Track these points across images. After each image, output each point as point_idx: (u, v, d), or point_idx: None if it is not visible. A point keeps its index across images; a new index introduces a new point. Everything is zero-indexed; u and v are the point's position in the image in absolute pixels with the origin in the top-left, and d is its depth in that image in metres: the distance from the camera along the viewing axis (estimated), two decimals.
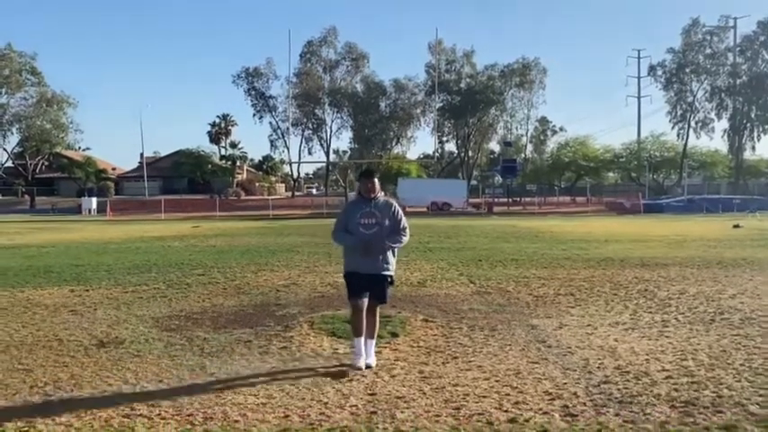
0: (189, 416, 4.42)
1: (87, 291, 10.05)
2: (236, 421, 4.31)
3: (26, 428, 4.23)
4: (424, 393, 4.86)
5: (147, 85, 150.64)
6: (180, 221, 37.71)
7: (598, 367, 5.53)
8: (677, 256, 14.09)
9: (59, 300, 9.28)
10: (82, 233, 26.37)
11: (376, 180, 5.73)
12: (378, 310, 5.78)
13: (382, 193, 5.83)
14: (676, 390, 4.89)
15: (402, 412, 4.44)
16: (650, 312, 7.92)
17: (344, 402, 4.60)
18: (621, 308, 8.23)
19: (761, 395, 4.74)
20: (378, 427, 4.00)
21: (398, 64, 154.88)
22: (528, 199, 65.33)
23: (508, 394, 4.83)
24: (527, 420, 4.28)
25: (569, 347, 6.23)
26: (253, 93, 75.39)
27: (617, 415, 4.37)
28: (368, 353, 5.57)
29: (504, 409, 4.51)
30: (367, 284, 5.56)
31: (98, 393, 4.98)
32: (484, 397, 4.77)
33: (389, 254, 5.67)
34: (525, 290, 9.75)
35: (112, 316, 8.05)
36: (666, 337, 6.64)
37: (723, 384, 5.01)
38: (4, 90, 64.82)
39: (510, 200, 61.85)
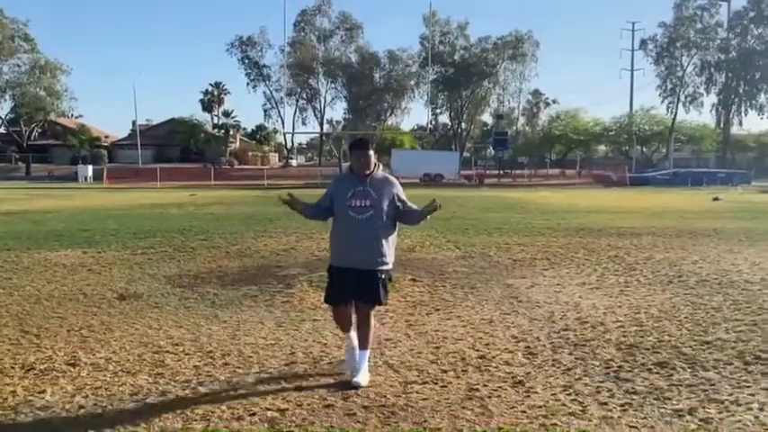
0: (209, 352, 5.23)
1: (99, 253, 10.80)
2: (250, 357, 5.12)
3: (72, 362, 5.02)
4: (409, 337, 5.68)
5: (139, 52, 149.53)
6: (176, 189, 38.36)
7: (561, 318, 6.37)
8: (652, 227, 14.95)
9: (75, 260, 10.03)
10: (82, 200, 27.03)
11: (371, 153, 4.57)
12: (372, 313, 4.61)
13: (380, 167, 4.65)
14: (624, 336, 5.73)
15: (390, 350, 5.27)
16: (616, 275, 8.76)
17: (341, 343, 5.39)
18: (591, 271, 9.07)
19: (695, 341, 5.58)
20: (370, 362, 4.78)
21: (393, 35, 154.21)
22: (518, 171, 66.16)
23: (481, 338, 5.66)
24: (494, 357, 5.12)
25: (538, 302, 7.07)
26: (246, 62, 75.61)
27: (570, 354, 5.21)
28: (359, 366, 4.50)
29: (476, 348, 5.35)
30: (352, 284, 4.45)
31: (127, 336, 5.76)
32: (460, 339, 5.61)
33: (387, 243, 4.53)
34: (506, 255, 10.57)
35: (127, 274, 8.82)
36: (626, 295, 7.48)
37: (666, 332, 5.85)
38: None
39: (501, 172, 62.66)
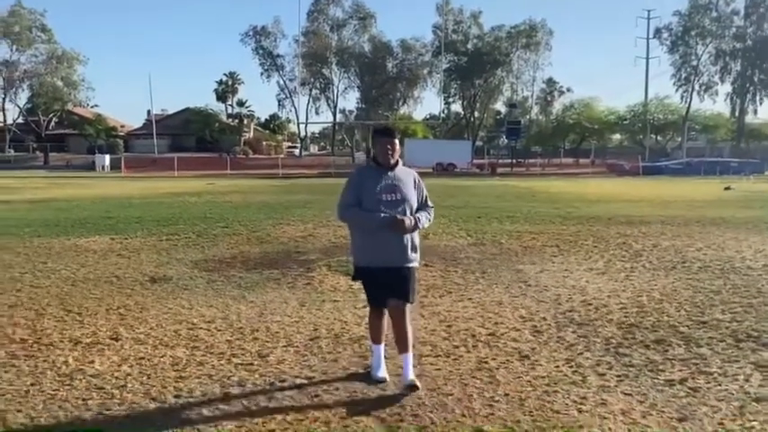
0: (239, 329, 5.68)
1: (126, 239, 11.29)
2: (277, 332, 5.56)
3: (114, 336, 5.48)
4: (423, 317, 6.09)
5: (153, 42, 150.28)
6: (193, 179, 38.95)
7: (567, 300, 6.75)
8: (661, 215, 15.25)
9: (104, 246, 10.52)
10: (102, 189, 27.64)
11: (397, 141, 4.32)
12: (407, 312, 4.32)
13: (400, 162, 4.38)
14: (626, 316, 6.11)
15: None
16: (623, 261, 9.12)
17: (360, 321, 5.81)
18: (598, 257, 9.43)
19: (692, 320, 5.96)
20: (386, 337, 5.20)
21: (406, 24, 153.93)
22: (531, 160, 66.26)
23: (490, 318, 6.07)
24: (502, 334, 5.52)
25: (546, 286, 7.45)
26: (260, 51, 76.05)
27: (574, 332, 5.60)
28: (406, 370, 4.27)
29: (486, 327, 5.75)
30: (387, 283, 4.23)
31: (162, 314, 6.22)
32: (470, 319, 6.01)
33: (416, 236, 4.34)
34: (516, 242, 10.95)
35: (155, 259, 9.29)
36: (630, 280, 7.84)
37: (665, 313, 6.23)
38: (14, 47, 65.65)
39: (514, 161, 62.79)
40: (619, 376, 4.50)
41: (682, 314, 6.20)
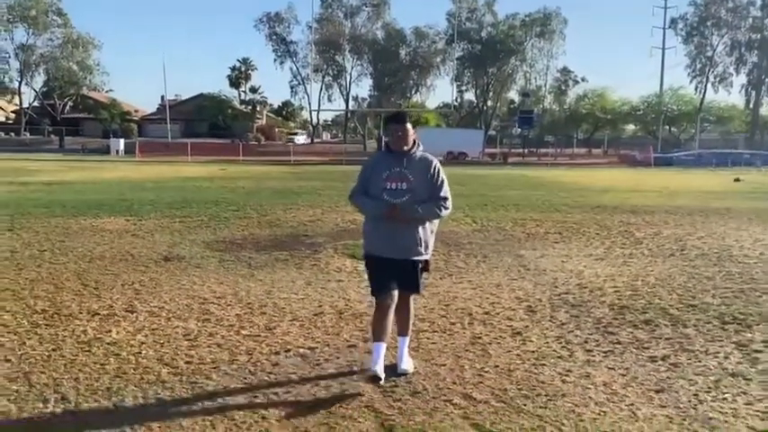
0: (248, 304, 5.98)
1: (140, 220, 11.63)
2: (284, 308, 5.85)
3: (129, 309, 5.79)
4: (423, 296, 6.32)
5: (167, 27, 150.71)
6: (206, 164, 39.33)
7: (563, 284, 7.00)
8: (666, 205, 15.41)
9: (119, 227, 10.86)
10: (117, 172, 28.07)
11: (408, 127, 4.16)
12: (411, 301, 4.38)
13: (420, 148, 4.24)
14: (619, 299, 6.35)
15: None
16: (622, 248, 9.34)
17: (363, 299, 6.09)
18: (599, 244, 9.66)
19: (682, 304, 6.19)
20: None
21: (419, 12, 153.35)
22: (544, 150, 66.18)
23: (488, 298, 6.33)
24: (498, 313, 5.79)
25: (544, 270, 7.70)
26: (274, 38, 76.11)
27: (567, 312, 5.86)
28: (400, 355, 4.30)
29: (482, 306, 6.02)
30: (394, 272, 4.15)
31: (175, 290, 6.53)
32: (468, 299, 6.28)
33: (425, 230, 4.19)
34: (520, 229, 11.18)
35: (168, 240, 9.62)
36: (628, 266, 8.07)
37: (657, 297, 6.47)
38: (30, 31, 66.25)
39: (526, 150, 62.76)
40: (605, 352, 4.76)
41: (673, 298, 6.43)
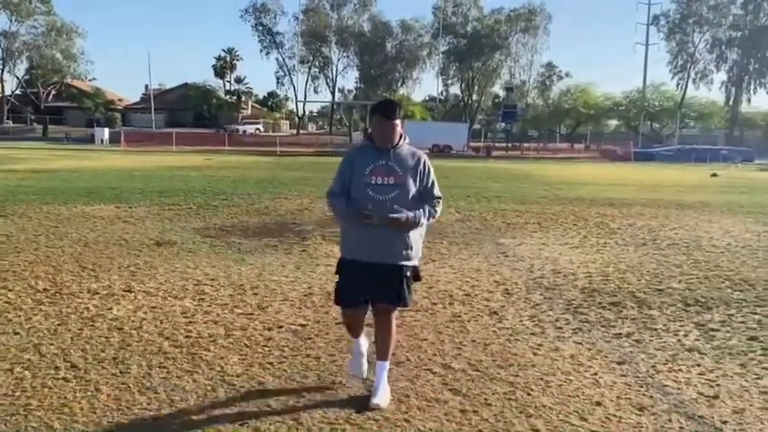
0: (240, 285, 6.30)
1: (131, 208, 11.88)
2: (275, 289, 6.19)
3: (127, 289, 6.09)
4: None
5: (152, 16, 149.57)
6: (192, 154, 39.42)
7: (539, 269, 7.40)
8: (643, 198, 15.90)
9: (110, 213, 11.11)
10: (103, 161, 28.17)
11: (398, 123, 3.65)
12: (393, 318, 3.81)
13: (407, 141, 3.75)
14: (590, 283, 6.76)
15: None
16: (597, 237, 9.76)
17: None
18: (575, 234, 10.07)
19: (649, 288, 6.61)
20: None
21: (406, 5, 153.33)
22: (527, 144, 66.81)
23: (468, 281, 6.71)
24: (476, 295, 6.17)
25: (522, 257, 8.10)
26: (260, 28, 76.07)
27: (541, 295, 6.25)
28: (377, 384, 3.74)
29: (463, 289, 6.40)
30: (370, 281, 3.64)
31: (169, 272, 6.83)
32: (450, 282, 6.66)
33: (415, 232, 3.71)
34: (501, 219, 11.57)
35: (159, 226, 9.89)
36: (601, 253, 8.49)
37: (626, 282, 6.87)
38: (13, 17, 65.66)
39: (509, 144, 63.33)
40: (574, 330, 5.15)
41: (641, 282, 6.85)
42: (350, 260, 3.72)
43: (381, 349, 3.79)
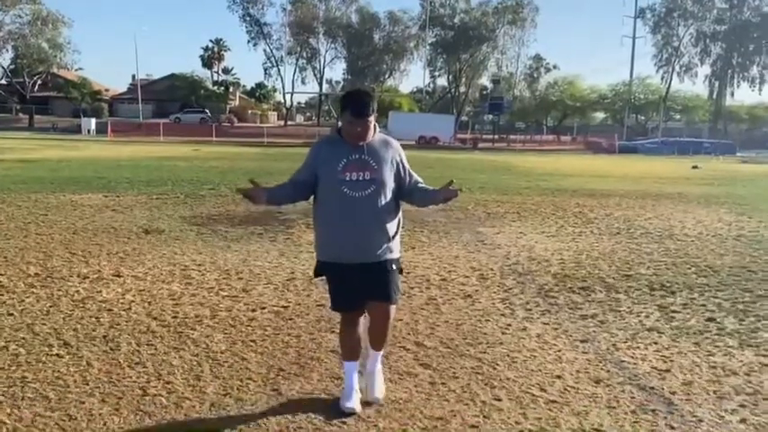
0: (226, 270, 6.54)
1: (119, 197, 12.06)
2: (259, 274, 6.44)
3: (117, 274, 6.32)
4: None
5: (140, 6, 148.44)
6: (179, 144, 39.44)
7: (515, 256, 7.68)
8: (623, 189, 16.25)
9: (98, 202, 11.29)
10: (90, 151, 28.22)
11: (371, 120, 3.38)
12: (390, 312, 3.58)
13: (377, 130, 3.48)
14: (562, 270, 7.05)
15: None
16: (574, 227, 10.06)
17: None
18: (552, 223, 10.37)
19: (618, 274, 6.91)
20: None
21: None
22: (514, 136, 67.22)
23: (445, 267, 6.98)
24: (452, 280, 6.44)
25: (499, 245, 8.38)
26: (248, 19, 75.88)
27: (514, 280, 6.53)
28: (372, 377, 3.67)
29: (440, 274, 6.67)
30: (359, 282, 3.43)
31: (157, 258, 7.06)
32: (428, 268, 6.93)
33: (393, 225, 3.52)
34: (482, 209, 11.86)
35: (147, 215, 10.09)
36: (576, 242, 8.79)
37: (597, 268, 7.17)
38: None
39: (496, 136, 63.71)
40: (542, 311, 5.44)
41: (612, 269, 7.15)
42: (330, 263, 3.50)
43: (376, 340, 3.63)
